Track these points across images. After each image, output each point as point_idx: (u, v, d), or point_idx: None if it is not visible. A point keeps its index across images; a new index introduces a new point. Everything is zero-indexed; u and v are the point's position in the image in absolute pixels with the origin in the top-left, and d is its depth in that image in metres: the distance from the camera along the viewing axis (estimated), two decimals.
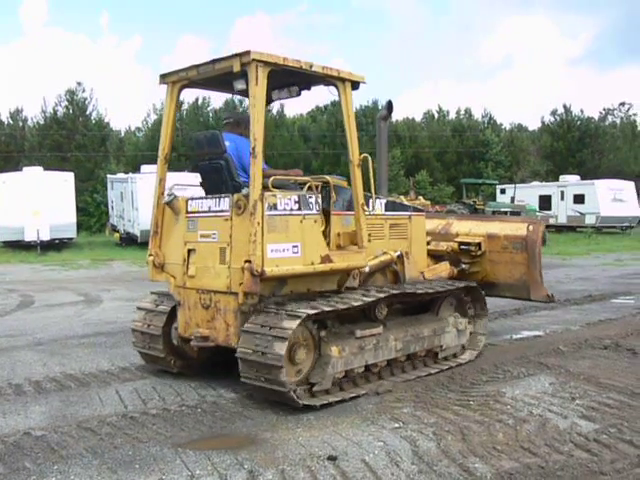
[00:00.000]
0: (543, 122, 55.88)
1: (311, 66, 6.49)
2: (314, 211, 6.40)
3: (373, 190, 7.00)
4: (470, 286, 8.00)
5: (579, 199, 36.77)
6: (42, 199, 26.22)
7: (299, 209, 6.26)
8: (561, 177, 40.56)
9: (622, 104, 64.80)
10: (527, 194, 37.51)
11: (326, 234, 6.62)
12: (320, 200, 6.52)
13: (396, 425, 5.48)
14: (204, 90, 7.97)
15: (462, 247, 8.67)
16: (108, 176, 35.35)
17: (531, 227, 8.38)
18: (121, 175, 33.18)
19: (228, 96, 51.28)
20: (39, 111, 43.91)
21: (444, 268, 8.49)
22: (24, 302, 13.40)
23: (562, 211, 37.85)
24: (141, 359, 7.64)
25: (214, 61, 6.33)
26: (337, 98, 6.97)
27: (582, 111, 53.10)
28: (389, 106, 8.20)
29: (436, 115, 56.03)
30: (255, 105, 6.01)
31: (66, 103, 42.80)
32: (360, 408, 5.96)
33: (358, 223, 6.80)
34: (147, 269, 7.09)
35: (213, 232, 6.41)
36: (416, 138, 50.98)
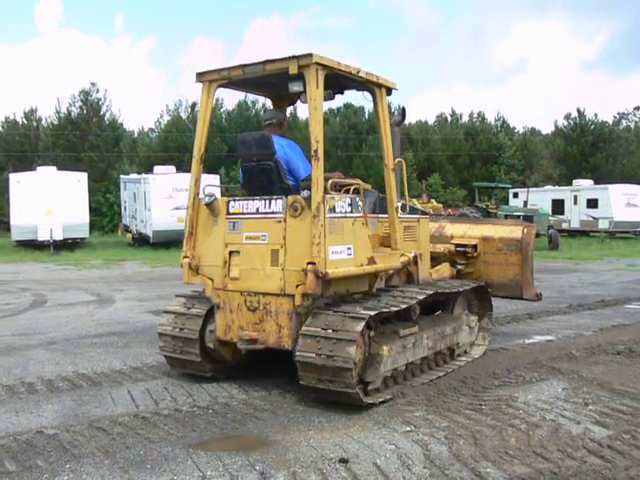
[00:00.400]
0: (556, 126, 55.65)
1: (358, 71, 6.64)
2: (362, 213, 6.53)
3: (406, 194, 7.16)
4: (480, 286, 8.31)
5: (592, 204, 36.57)
6: (55, 199, 26.38)
7: (351, 212, 6.39)
8: (574, 181, 40.35)
9: (637, 108, 64.49)
10: (540, 198, 37.32)
11: None
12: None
13: (408, 428, 5.46)
14: (236, 90, 7.91)
15: (458, 249, 8.94)
16: (121, 176, 35.53)
17: (525, 230, 8.78)
18: (134, 176, 33.35)
19: (241, 97, 51.57)
20: (53, 111, 44.41)
21: (446, 269, 8.71)
22: (37, 301, 13.48)
23: (575, 216, 37.65)
24: (158, 360, 7.66)
25: (266, 62, 6.34)
26: (369, 103, 7.16)
27: (596, 115, 52.92)
28: (403, 113, 8.27)
29: (449, 118, 55.95)
30: (316, 108, 6.10)
31: (80, 103, 43.14)
32: (372, 411, 5.94)
33: (392, 226, 6.99)
34: (183, 271, 6.83)
35: (262, 234, 6.38)
36: (429, 141, 50.96)
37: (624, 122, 61.95)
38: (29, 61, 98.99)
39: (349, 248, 6.29)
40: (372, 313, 6.02)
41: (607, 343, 8.68)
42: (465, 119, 55.74)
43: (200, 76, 6.80)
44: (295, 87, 6.35)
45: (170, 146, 44.53)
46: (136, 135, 53.06)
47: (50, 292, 14.79)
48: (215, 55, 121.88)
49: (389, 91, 7.21)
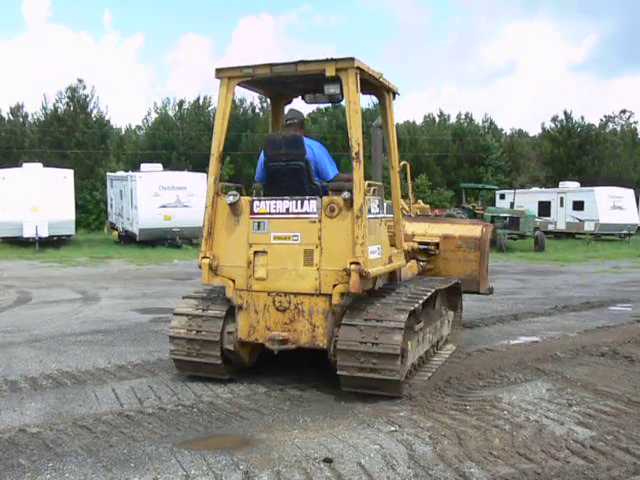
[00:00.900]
0: (543, 128, 55.89)
1: (380, 76, 6.80)
2: (385, 214, 6.74)
3: (410, 195, 7.29)
4: (458, 282, 8.70)
5: (578, 206, 36.76)
6: (41, 196, 26.21)
7: (379, 212, 6.67)
8: (561, 183, 40.53)
9: (623, 112, 64.84)
10: (526, 200, 37.47)
11: None
12: None
13: (392, 428, 5.47)
14: (253, 89, 7.79)
15: (422, 246, 9.18)
16: (108, 174, 35.36)
17: (484, 229, 9.32)
18: (121, 173, 33.21)
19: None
20: (40, 107, 44.11)
21: (415, 266, 8.89)
22: (21, 298, 13.40)
23: (561, 217, 37.84)
24: (143, 359, 7.61)
25: (299, 62, 6.38)
26: (375, 106, 7.31)
27: (582, 118, 53.20)
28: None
29: (437, 119, 56.06)
30: (356, 111, 6.22)
31: (67, 100, 42.85)
32: (356, 411, 5.94)
33: (397, 226, 7.25)
34: (202, 273, 6.63)
35: (294, 234, 6.38)
36: (416, 142, 51.01)
37: (610, 125, 62.29)
38: (15, 57, 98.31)
39: (379, 247, 6.55)
40: (411, 308, 6.32)
41: (591, 344, 8.73)
42: (453, 120, 55.89)
43: (219, 72, 6.69)
44: (331, 90, 6.42)
45: (157, 144, 44.36)
46: (123, 132, 52.80)
47: (35, 289, 14.71)
48: (203, 53, 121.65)
49: (394, 95, 7.47)
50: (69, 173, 28.06)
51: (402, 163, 7.44)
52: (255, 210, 6.55)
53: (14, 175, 27.14)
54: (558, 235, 36.93)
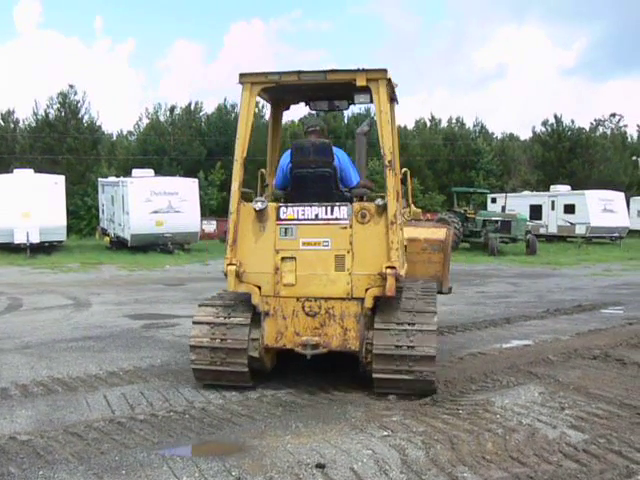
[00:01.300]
0: (534, 132, 56.09)
1: (396, 85, 6.96)
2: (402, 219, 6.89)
3: (410, 201, 7.60)
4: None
5: (569, 209, 36.90)
6: (32, 201, 26.08)
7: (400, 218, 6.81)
8: (552, 187, 40.68)
9: (613, 115, 65.19)
10: (518, 203, 37.57)
11: None
12: None
13: (385, 433, 5.46)
14: (276, 96, 7.74)
15: None
16: (99, 179, 35.24)
17: (447, 232, 9.45)
18: (112, 179, 33.12)
19: (220, 101, 51.47)
20: (31, 113, 43.86)
21: None
22: (12, 305, 13.32)
23: (552, 221, 37.97)
24: (134, 365, 7.56)
25: (328, 71, 6.48)
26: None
27: (573, 122, 53.40)
28: (370, 123, 8.46)
29: (428, 123, 56.19)
30: (389, 121, 6.44)
31: (58, 106, 42.68)
32: (349, 416, 5.93)
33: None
34: (228, 279, 6.53)
35: (324, 239, 6.46)
36: (407, 146, 51.03)
37: (601, 128, 62.55)
38: (7, 62, 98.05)
39: (402, 252, 6.74)
40: (436, 309, 6.61)
41: (584, 348, 8.74)
42: (444, 124, 56.05)
43: (243, 77, 6.68)
44: (361, 99, 6.74)
45: (149, 149, 44.30)
46: (115, 138, 52.81)
47: (26, 296, 14.63)
48: (195, 58, 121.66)
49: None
50: (60, 179, 27.95)
51: (403, 170, 7.54)
52: (282, 216, 6.55)
53: (5, 181, 27.03)
54: (550, 238, 37.03)
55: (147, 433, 5.49)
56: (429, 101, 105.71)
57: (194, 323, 6.76)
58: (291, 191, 6.94)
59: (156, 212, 27.14)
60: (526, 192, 43.32)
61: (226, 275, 6.53)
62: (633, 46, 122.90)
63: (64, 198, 27.77)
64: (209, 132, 47.06)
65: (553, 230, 37.85)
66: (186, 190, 28.12)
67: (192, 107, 48.32)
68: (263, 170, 7.92)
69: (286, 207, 6.58)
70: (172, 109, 47.50)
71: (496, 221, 29.68)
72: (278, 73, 6.61)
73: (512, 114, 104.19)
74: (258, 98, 6.95)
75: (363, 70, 6.34)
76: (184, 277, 19.06)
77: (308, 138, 7.17)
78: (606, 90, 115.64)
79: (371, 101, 6.57)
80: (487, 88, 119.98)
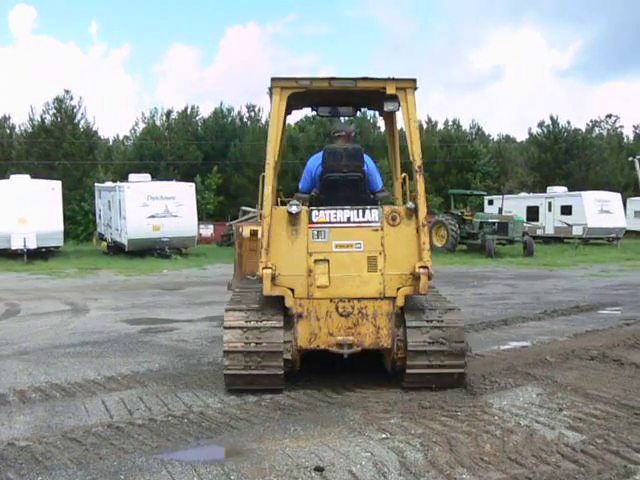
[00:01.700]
0: (530, 133, 56.19)
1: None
2: None
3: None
4: None
5: (566, 210, 36.95)
6: (29, 207, 26.05)
7: None
8: (548, 188, 40.73)
9: (609, 116, 65.36)
10: (515, 205, 37.64)
11: None
12: None
13: (383, 436, 5.46)
14: (304, 102, 7.76)
15: None
16: (96, 184, 35.24)
17: None
18: (109, 184, 33.11)
19: (217, 105, 51.50)
20: (27, 119, 43.81)
21: None
22: (10, 311, 13.30)
23: (549, 222, 38.02)
24: (132, 370, 7.55)
25: (359, 79, 6.73)
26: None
27: (569, 123, 53.53)
28: (355, 127, 8.54)
29: (425, 125, 56.22)
30: (417, 128, 6.80)
31: (54, 111, 42.71)
32: (347, 419, 5.94)
33: None
34: (264, 283, 6.48)
35: (357, 242, 6.66)
36: (404, 149, 51.13)
37: (597, 130, 62.72)
38: (2, 68, 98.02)
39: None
40: (454, 306, 6.94)
41: (581, 349, 8.75)
42: (441, 127, 56.06)
43: (274, 81, 6.76)
44: (390, 106, 6.93)
45: (145, 154, 44.32)
46: (111, 143, 52.82)
47: (23, 301, 14.61)
48: (191, 63, 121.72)
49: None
50: (57, 184, 27.94)
51: (402, 175, 7.69)
52: (314, 219, 6.68)
53: (1, 187, 26.99)
54: (547, 240, 37.08)
55: (146, 438, 5.48)
56: (425, 103, 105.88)
57: (226, 328, 6.67)
58: (320, 194, 7.09)
59: (153, 217, 27.14)
60: (523, 194, 43.42)
61: (261, 279, 6.54)
62: (629, 47, 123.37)
63: (61, 204, 27.75)
64: (205, 136, 47.12)
65: (550, 231, 37.90)
66: (183, 194, 28.14)
67: (188, 111, 48.42)
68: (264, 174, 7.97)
69: (318, 210, 6.72)
70: (168, 114, 47.58)
71: (493, 223, 29.71)
72: (309, 79, 6.76)
73: (508, 116, 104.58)
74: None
75: (393, 79, 6.67)
76: (182, 281, 19.05)
77: (335, 142, 7.36)
78: (602, 91, 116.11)
79: (398, 108, 6.87)
80: (483, 90, 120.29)
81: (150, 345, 9.46)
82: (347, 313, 6.65)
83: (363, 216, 6.69)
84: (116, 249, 28.89)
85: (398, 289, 6.60)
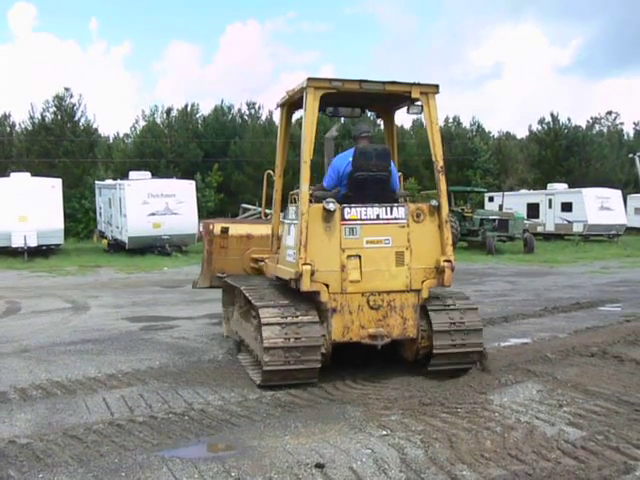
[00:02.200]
0: (531, 130, 56.08)
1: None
2: None
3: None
4: None
5: (567, 207, 36.91)
6: (29, 205, 26.03)
7: None
8: (549, 185, 40.66)
9: (609, 113, 65.38)
10: (515, 202, 37.62)
11: None
12: None
13: (384, 432, 5.47)
14: (334, 102, 7.79)
15: None
16: (96, 182, 35.23)
17: None
18: (109, 181, 33.11)
19: (217, 103, 51.49)
20: (27, 117, 43.68)
21: None
22: (10, 309, 13.31)
23: (550, 219, 37.99)
24: (133, 367, 7.56)
25: (387, 82, 7.10)
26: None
27: (569, 120, 53.42)
28: (339, 129, 8.65)
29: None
30: (438, 130, 7.28)
31: (54, 109, 42.58)
32: (348, 415, 5.95)
33: None
34: (303, 279, 6.62)
35: (386, 238, 6.97)
36: (405, 146, 51.09)
37: (597, 126, 62.69)
38: (2, 66, 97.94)
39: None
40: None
41: (581, 345, 8.76)
42: (441, 124, 55.86)
43: (311, 81, 6.92)
44: (414, 110, 7.41)
45: (145, 152, 44.25)
46: (111, 141, 52.72)
47: (24, 299, 14.61)
48: (191, 60, 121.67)
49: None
50: (57, 182, 27.90)
51: (399, 174, 7.89)
52: (346, 216, 6.90)
53: (2, 185, 26.94)
54: (547, 237, 37.04)
55: (146, 435, 5.50)
56: None
57: (264, 325, 6.70)
58: (349, 192, 7.27)
59: (153, 214, 27.12)
60: (523, 190, 43.37)
61: (301, 275, 6.64)
62: (629, 44, 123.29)
63: (61, 201, 27.70)
64: (206, 134, 47.07)
65: (550, 228, 37.87)
66: (183, 192, 28.10)
67: (188, 109, 48.33)
68: (270, 172, 8.11)
69: (350, 208, 6.92)
70: (168, 111, 47.47)
71: (493, 220, 29.67)
72: (341, 80, 6.99)
73: (509, 113, 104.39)
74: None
75: (418, 84, 7.08)
76: (182, 279, 19.03)
77: (360, 143, 7.54)
78: (602, 88, 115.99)
79: (421, 111, 7.26)
80: (484, 87, 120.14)
81: (151, 342, 9.47)
82: (377, 306, 6.91)
83: (391, 213, 7.00)
84: (116, 247, 28.86)
85: (423, 282, 6.99)
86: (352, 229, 6.90)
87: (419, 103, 7.26)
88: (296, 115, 8.56)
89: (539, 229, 37.01)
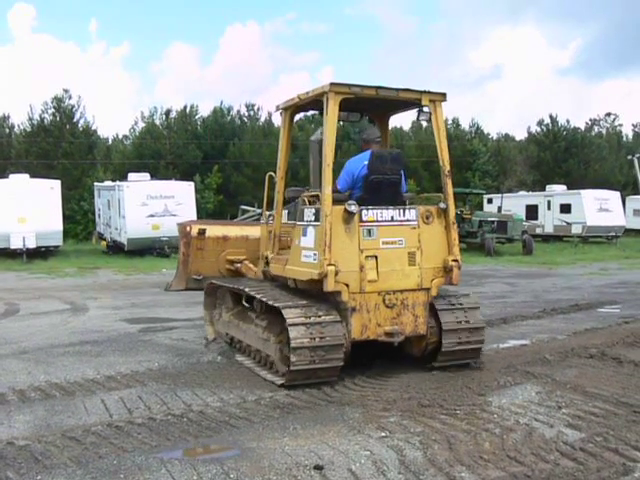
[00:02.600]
0: (530, 132, 56.13)
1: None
2: None
3: None
4: None
5: (565, 209, 36.94)
6: (28, 207, 26.02)
7: None
8: (548, 187, 40.69)
9: (608, 115, 65.48)
10: (514, 204, 37.66)
11: None
12: None
13: (382, 434, 5.47)
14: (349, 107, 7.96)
15: None
16: (95, 184, 35.20)
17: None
18: (108, 183, 33.07)
19: (217, 104, 51.44)
20: (26, 118, 43.66)
21: None
22: (9, 310, 13.31)
23: (549, 221, 38.02)
24: (132, 369, 7.55)
25: (401, 90, 7.41)
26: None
27: (568, 121, 53.46)
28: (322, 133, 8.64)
29: (424, 124, 56.20)
30: (445, 136, 7.61)
31: (53, 110, 42.58)
32: (346, 417, 5.94)
33: None
34: (328, 280, 6.76)
35: (399, 239, 7.24)
36: (403, 147, 51.07)
37: (596, 128, 62.78)
38: (1, 67, 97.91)
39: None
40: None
41: (580, 347, 8.76)
42: None
43: (333, 86, 7.05)
44: (423, 116, 7.66)
45: (144, 153, 44.18)
46: (110, 142, 52.63)
47: (23, 301, 14.61)
48: (190, 61, 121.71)
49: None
50: (56, 184, 27.90)
51: None
52: (364, 218, 7.11)
53: (1, 186, 26.94)
54: (546, 238, 37.07)
55: (145, 437, 5.49)
56: None
57: (290, 325, 6.75)
58: (364, 194, 7.43)
59: (152, 216, 27.12)
60: (522, 192, 43.33)
61: (325, 276, 6.77)
62: (628, 45, 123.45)
63: (60, 203, 27.71)
64: (205, 135, 47.02)
65: (549, 230, 37.90)
66: (182, 193, 28.11)
67: (188, 110, 48.24)
68: (272, 173, 8.23)
69: (367, 210, 7.12)
70: (167, 112, 47.41)
71: (492, 221, 29.70)
72: (360, 86, 7.19)
73: (508, 114, 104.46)
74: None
75: (428, 92, 7.45)
76: None
77: (370, 147, 7.73)
78: (601, 90, 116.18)
79: (430, 118, 7.56)
80: (483, 89, 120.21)
81: (149, 344, 9.47)
82: (392, 304, 7.16)
83: (403, 215, 7.28)
84: (115, 248, 28.87)
85: (432, 280, 7.31)
86: (369, 230, 7.11)
87: (426, 110, 7.54)
88: (295, 117, 8.59)
89: (538, 231, 37.03)
